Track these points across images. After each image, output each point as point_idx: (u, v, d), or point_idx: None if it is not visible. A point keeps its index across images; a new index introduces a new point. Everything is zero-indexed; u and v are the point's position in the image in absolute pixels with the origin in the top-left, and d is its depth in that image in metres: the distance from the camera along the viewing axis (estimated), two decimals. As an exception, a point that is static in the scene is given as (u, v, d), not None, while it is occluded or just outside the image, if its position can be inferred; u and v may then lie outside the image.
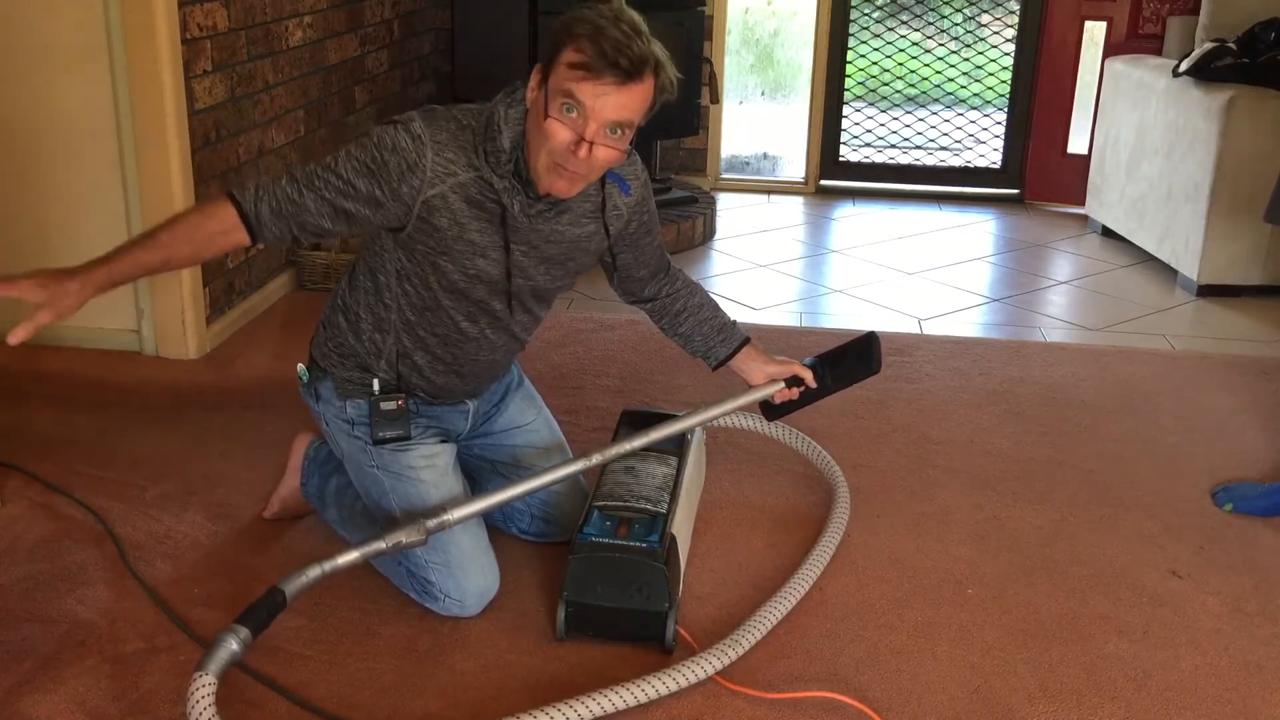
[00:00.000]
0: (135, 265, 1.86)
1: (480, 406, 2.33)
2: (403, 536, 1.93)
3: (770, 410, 2.37)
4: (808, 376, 2.30)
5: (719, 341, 2.35)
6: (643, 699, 1.84)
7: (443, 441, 2.24)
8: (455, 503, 2.03)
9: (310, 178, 1.94)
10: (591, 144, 1.84)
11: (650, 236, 2.24)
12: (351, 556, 1.93)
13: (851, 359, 2.34)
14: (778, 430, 2.63)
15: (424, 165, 1.93)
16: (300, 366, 2.27)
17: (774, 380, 2.32)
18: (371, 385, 2.15)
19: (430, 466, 2.16)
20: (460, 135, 1.95)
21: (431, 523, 1.97)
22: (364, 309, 2.14)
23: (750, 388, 2.33)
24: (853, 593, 2.25)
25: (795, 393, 2.32)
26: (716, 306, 2.39)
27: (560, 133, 1.84)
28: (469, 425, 2.32)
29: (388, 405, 2.14)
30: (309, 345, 2.28)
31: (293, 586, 1.88)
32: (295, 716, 1.86)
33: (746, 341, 2.35)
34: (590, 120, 1.83)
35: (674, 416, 2.30)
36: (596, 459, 2.10)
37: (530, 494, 2.10)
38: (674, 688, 1.87)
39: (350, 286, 2.19)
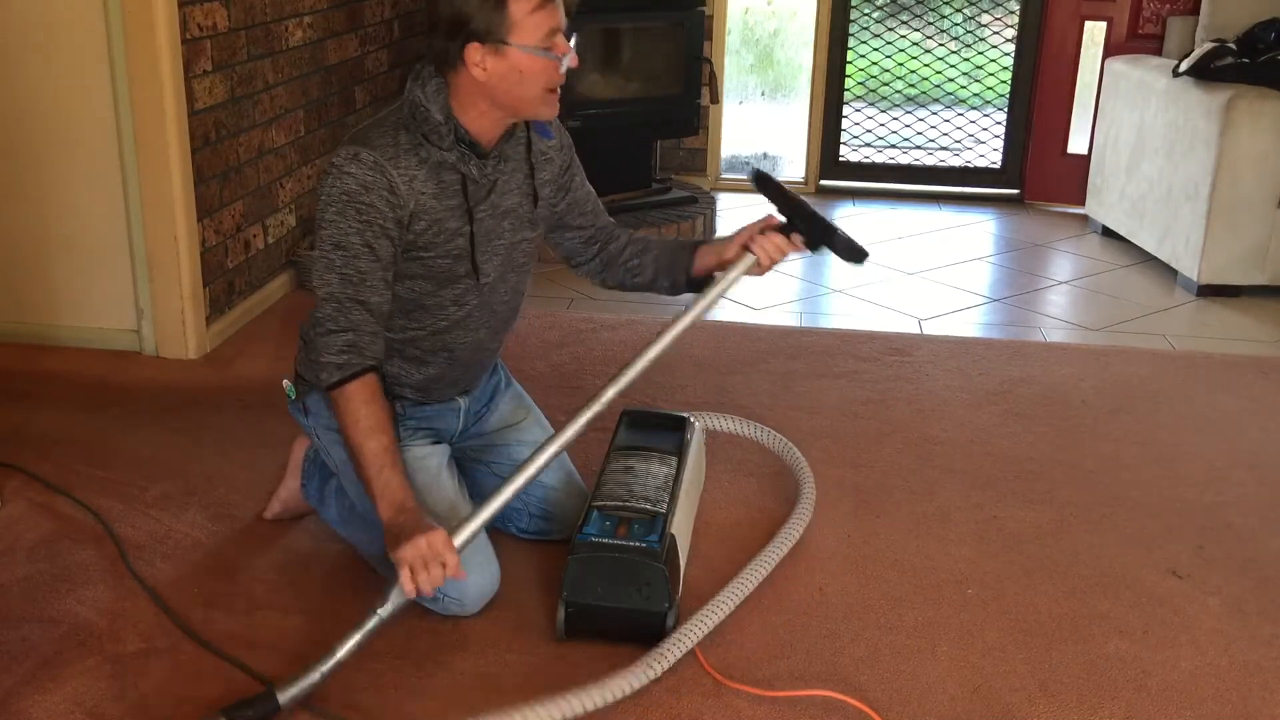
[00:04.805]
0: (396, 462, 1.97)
1: (471, 405, 2.33)
2: (398, 597, 1.89)
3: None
4: (775, 222, 2.14)
5: (675, 259, 2.26)
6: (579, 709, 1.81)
7: (435, 444, 2.24)
8: (451, 529, 1.97)
9: (345, 286, 1.97)
10: (571, 52, 2.01)
11: (579, 176, 2.30)
12: (349, 644, 1.87)
13: (826, 232, 2.12)
14: (753, 430, 2.59)
15: (396, 184, 1.98)
16: (286, 383, 2.27)
17: (745, 251, 2.14)
18: None
19: (422, 469, 2.16)
20: (398, 136, 2.02)
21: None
22: None
23: (726, 268, 2.16)
24: (853, 593, 2.25)
25: (778, 251, 2.12)
26: (666, 243, 2.32)
27: (559, 63, 1.99)
28: (461, 425, 2.32)
29: None
30: (294, 363, 2.29)
31: (289, 695, 1.82)
32: (295, 716, 1.86)
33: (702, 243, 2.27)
34: (563, 34, 2.00)
35: (675, 417, 2.28)
36: (571, 433, 2.04)
37: (525, 489, 2.06)
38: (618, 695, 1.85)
39: None
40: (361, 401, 1.95)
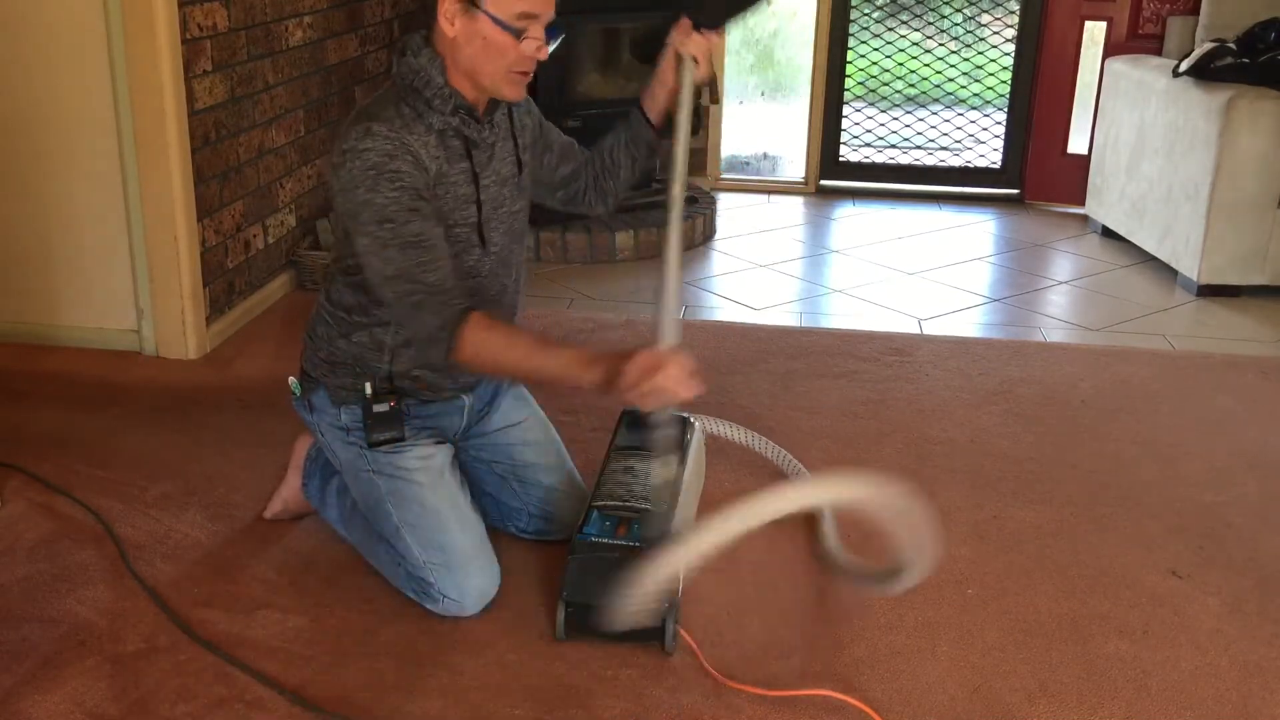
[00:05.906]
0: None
1: (474, 404, 2.33)
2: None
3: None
4: (685, 29, 2.16)
5: (632, 127, 2.29)
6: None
7: (439, 443, 2.24)
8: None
9: (406, 255, 1.95)
10: (541, 44, 2.01)
11: (553, 131, 2.33)
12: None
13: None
14: (747, 437, 2.59)
15: (415, 150, 2.00)
16: (292, 380, 2.27)
17: (681, 60, 2.15)
18: (364, 389, 2.15)
19: (425, 468, 2.16)
20: (399, 109, 2.02)
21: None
22: (357, 314, 2.14)
23: (676, 89, 2.18)
24: (853, 593, 2.25)
25: (699, 45, 2.14)
26: (613, 128, 2.35)
27: (528, 45, 1.98)
28: (464, 422, 2.32)
29: (380, 408, 2.15)
30: (299, 359, 2.29)
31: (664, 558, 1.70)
32: (295, 716, 1.86)
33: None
34: (541, 24, 1.99)
35: (675, 417, 2.26)
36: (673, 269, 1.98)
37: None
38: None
39: (332, 302, 2.18)
40: (488, 334, 1.95)
